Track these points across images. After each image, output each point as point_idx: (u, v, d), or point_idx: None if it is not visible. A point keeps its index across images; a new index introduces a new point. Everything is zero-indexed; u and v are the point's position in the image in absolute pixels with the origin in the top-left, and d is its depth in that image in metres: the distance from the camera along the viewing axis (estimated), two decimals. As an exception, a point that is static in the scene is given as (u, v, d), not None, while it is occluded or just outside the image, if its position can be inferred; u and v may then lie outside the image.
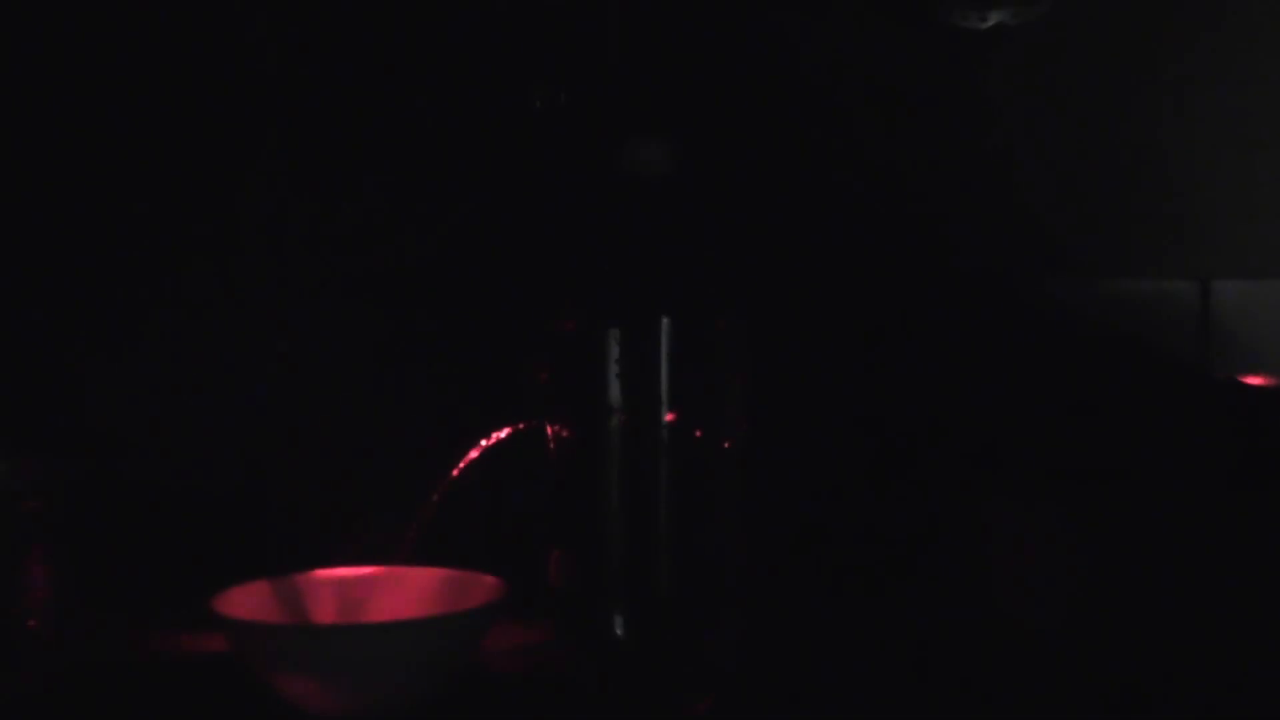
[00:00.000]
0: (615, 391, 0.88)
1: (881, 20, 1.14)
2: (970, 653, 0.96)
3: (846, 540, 1.10)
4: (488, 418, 0.97)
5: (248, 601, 0.90)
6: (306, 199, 1.14)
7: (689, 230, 0.95)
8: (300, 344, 1.14)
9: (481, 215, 1.14)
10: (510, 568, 0.93)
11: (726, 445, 0.91)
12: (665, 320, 0.88)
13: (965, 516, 1.01)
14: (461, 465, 0.95)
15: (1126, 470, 0.99)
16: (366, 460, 1.13)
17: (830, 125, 1.14)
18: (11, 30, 1.11)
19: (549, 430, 0.92)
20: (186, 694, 0.93)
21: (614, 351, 0.88)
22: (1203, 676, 0.88)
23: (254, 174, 1.13)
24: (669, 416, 0.88)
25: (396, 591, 0.95)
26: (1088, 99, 1.15)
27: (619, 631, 0.88)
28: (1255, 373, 1.07)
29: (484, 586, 0.92)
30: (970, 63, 1.14)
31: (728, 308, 0.92)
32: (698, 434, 0.89)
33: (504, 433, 0.95)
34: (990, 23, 1.12)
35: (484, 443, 0.95)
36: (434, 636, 0.86)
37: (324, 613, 0.94)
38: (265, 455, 1.13)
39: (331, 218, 1.14)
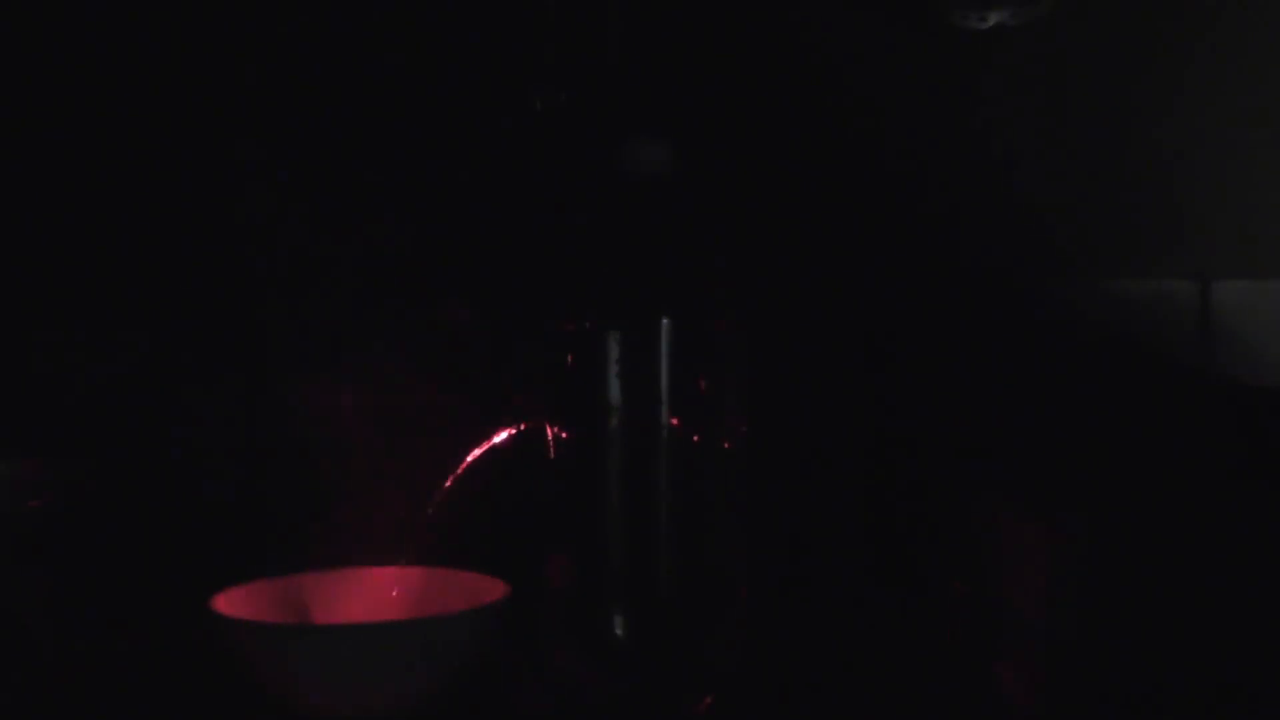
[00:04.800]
0: (615, 391, 0.88)
1: (881, 20, 1.14)
2: (971, 654, 0.96)
3: (846, 540, 1.10)
4: (488, 418, 0.97)
5: (247, 601, 0.90)
6: (305, 199, 1.14)
7: (689, 230, 0.94)
8: (300, 344, 1.14)
9: (481, 215, 1.14)
10: (510, 568, 0.93)
11: (726, 445, 0.91)
12: (665, 320, 0.88)
13: (965, 517, 1.01)
14: (462, 465, 0.95)
15: (1127, 470, 0.98)
16: (367, 460, 1.13)
17: (830, 125, 1.14)
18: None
19: (549, 430, 0.92)
20: (187, 694, 0.93)
21: (614, 351, 0.88)
22: (1204, 677, 0.88)
23: (252, 174, 1.13)
24: (669, 417, 0.88)
25: (396, 591, 0.95)
26: (1088, 99, 1.14)
27: (619, 631, 0.88)
28: (1255, 373, 1.07)
29: (484, 587, 0.92)
30: (970, 63, 1.14)
31: (728, 308, 0.92)
32: (697, 435, 0.89)
33: (504, 433, 0.95)
34: (990, 23, 1.12)
35: (484, 443, 0.96)
36: (434, 637, 0.86)
37: (324, 613, 0.94)
38: (265, 455, 1.13)
39: (330, 217, 1.14)
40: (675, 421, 0.88)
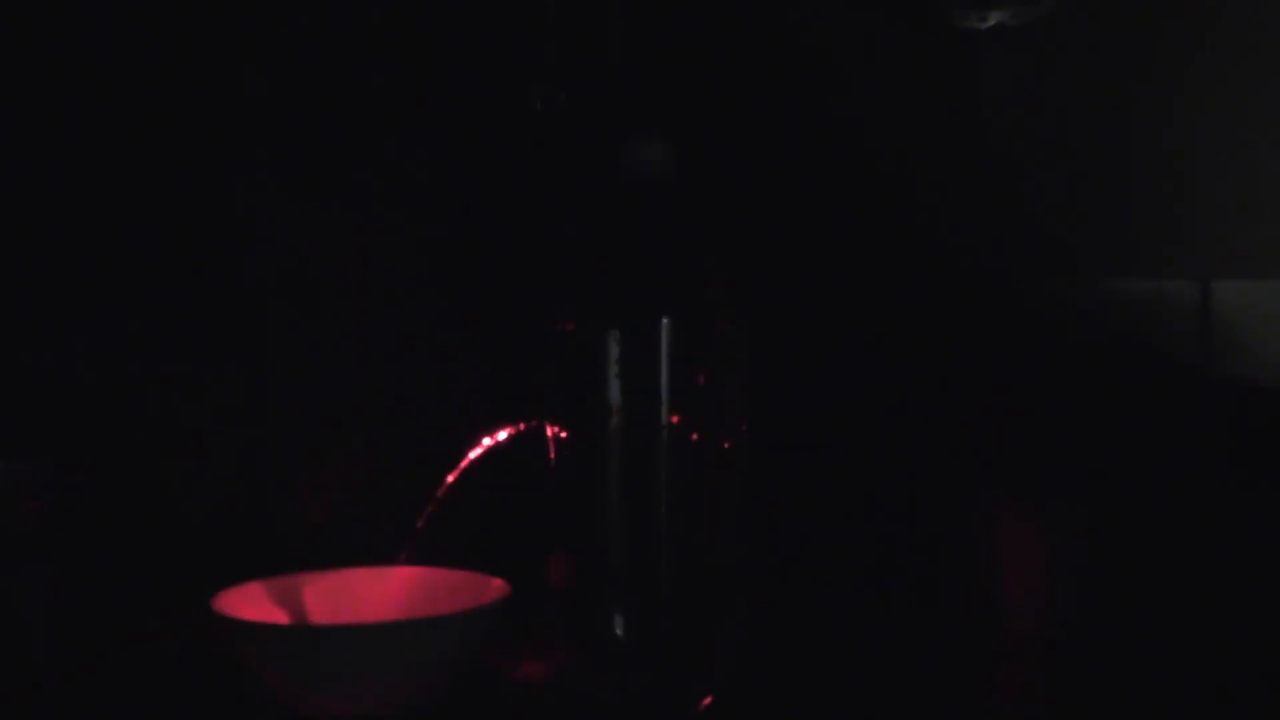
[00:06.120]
0: (615, 391, 0.88)
1: (881, 20, 1.14)
2: (971, 653, 0.96)
3: (847, 540, 1.10)
4: (488, 418, 0.97)
5: (247, 601, 0.90)
6: (306, 199, 1.14)
7: (689, 231, 0.94)
8: (300, 344, 1.14)
9: (481, 215, 1.14)
10: (510, 568, 0.93)
11: (726, 445, 0.91)
12: (665, 320, 0.88)
13: (965, 517, 1.01)
14: (462, 465, 0.95)
15: (1127, 470, 0.98)
16: (366, 460, 1.13)
17: (830, 125, 1.14)
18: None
19: (549, 430, 0.92)
20: (186, 694, 0.93)
21: (614, 351, 0.88)
22: (1204, 677, 0.88)
23: (252, 174, 1.13)
24: (669, 417, 0.88)
25: (396, 591, 0.95)
26: (1088, 99, 1.14)
27: (619, 631, 0.88)
28: (1255, 373, 1.07)
29: (484, 587, 0.92)
30: (970, 63, 1.14)
31: (728, 308, 0.92)
32: (697, 434, 0.89)
33: (504, 433, 0.95)
34: (990, 23, 1.12)
35: (484, 443, 0.95)
36: (434, 637, 0.86)
37: (323, 613, 0.94)
38: (265, 455, 1.13)
39: (331, 218, 1.14)
40: (675, 421, 0.88)
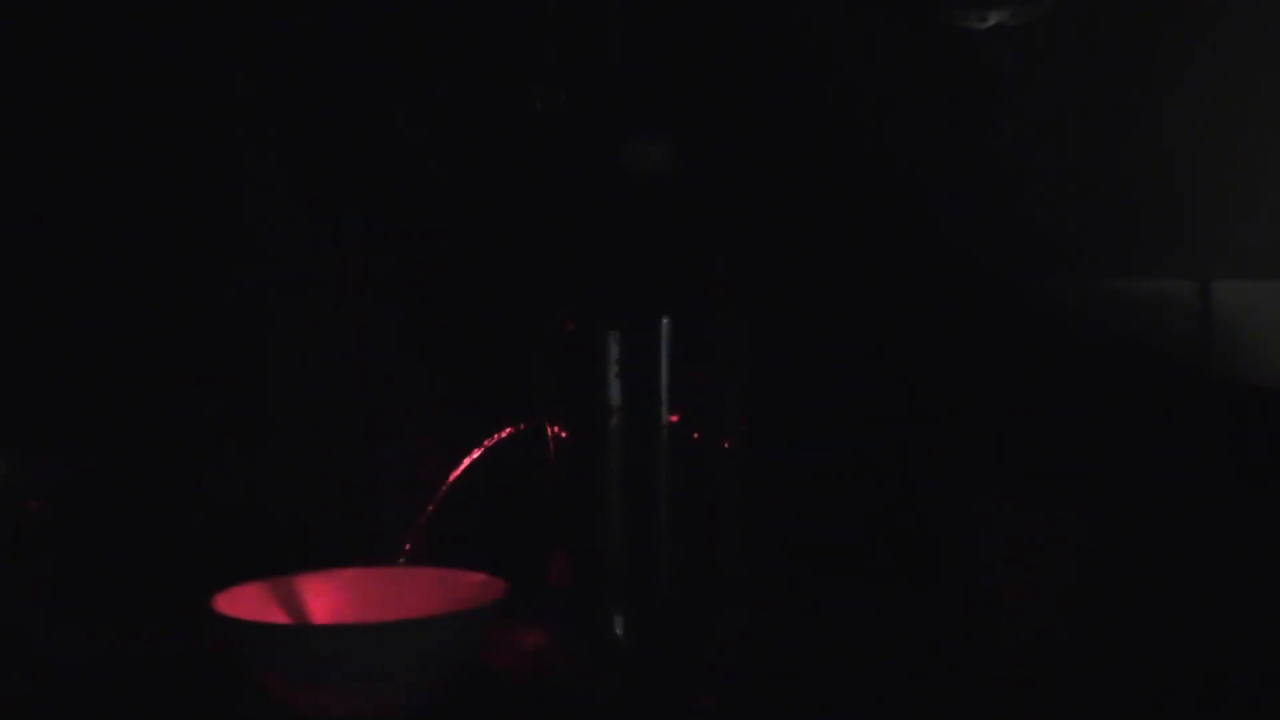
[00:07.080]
0: (615, 391, 0.88)
1: (881, 20, 1.14)
2: (970, 653, 0.96)
3: (846, 540, 1.10)
4: (488, 418, 0.97)
5: (247, 601, 0.90)
6: (306, 199, 1.14)
7: (689, 230, 0.94)
8: (300, 344, 1.14)
9: (481, 215, 1.14)
10: (510, 568, 0.93)
11: (726, 445, 0.91)
12: (665, 320, 0.88)
13: (965, 517, 1.01)
14: (462, 465, 0.95)
15: (1127, 471, 0.98)
16: (367, 460, 1.13)
17: (830, 125, 1.14)
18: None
19: (549, 430, 0.92)
20: (186, 694, 0.93)
21: (614, 351, 0.88)
22: (1204, 677, 0.88)
23: (254, 174, 1.13)
24: (669, 417, 0.88)
25: (396, 591, 0.95)
26: (1088, 99, 1.14)
27: (619, 631, 0.88)
28: (1255, 373, 1.07)
29: (485, 586, 0.92)
30: (970, 63, 1.14)
31: (728, 308, 0.92)
32: (697, 434, 0.89)
33: (504, 433, 0.95)
34: (990, 23, 1.12)
35: (484, 443, 0.96)
36: (434, 636, 0.86)
37: (323, 613, 0.94)
38: (265, 455, 1.13)
39: (331, 219, 1.14)
40: (675, 421, 0.88)
